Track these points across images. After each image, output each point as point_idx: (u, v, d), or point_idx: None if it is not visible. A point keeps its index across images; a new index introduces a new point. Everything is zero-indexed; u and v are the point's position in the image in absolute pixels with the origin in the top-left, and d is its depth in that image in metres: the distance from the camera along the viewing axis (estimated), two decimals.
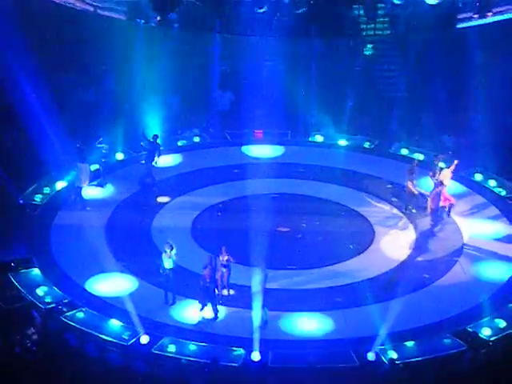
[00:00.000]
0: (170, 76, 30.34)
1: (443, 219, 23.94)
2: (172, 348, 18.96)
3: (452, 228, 23.92)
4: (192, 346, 19.04)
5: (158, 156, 26.01)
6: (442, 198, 23.67)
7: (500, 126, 27.62)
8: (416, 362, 18.73)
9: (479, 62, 28.68)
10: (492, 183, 26.14)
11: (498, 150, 26.56)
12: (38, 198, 24.96)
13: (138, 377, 18.19)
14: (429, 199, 23.66)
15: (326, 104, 30.21)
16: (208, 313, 20.03)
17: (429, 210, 23.69)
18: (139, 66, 29.89)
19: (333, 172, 27.13)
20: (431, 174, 24.35)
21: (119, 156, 27.73)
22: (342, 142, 29.31)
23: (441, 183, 23.65)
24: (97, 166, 26.01)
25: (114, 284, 21.24)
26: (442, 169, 24.48)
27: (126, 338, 19.22)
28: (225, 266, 20.42)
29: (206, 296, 19.89)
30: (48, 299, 20.31)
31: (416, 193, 24.31)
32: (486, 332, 19.41)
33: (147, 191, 25.66)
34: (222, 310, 20.29)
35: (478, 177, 26.57)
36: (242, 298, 20.35)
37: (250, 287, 20.28)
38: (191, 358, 18.74)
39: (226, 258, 20.41)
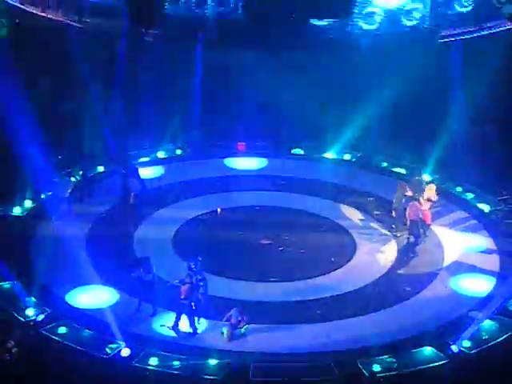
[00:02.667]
0: (153, 88, 30.39)
1: (426, 236, 24.01)
2: (153, 361, 18.87)
3: (433, 241, 24.01)
4: (173, 359, 18.95)
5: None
6: (422, 213, 23.72)
7: (481, 139, 27.80)
8: (397, 375, 18.74)
9: (461, 76, 28.93)
10: (472, 196, 26.30)
11: (479, 163, 26.75)
12: (18, 209, 24.82)
13: None
14: (407, 211, 23.68)
15: (309, 116, 30.33)
16: (185, 326, 19.98)
17: (407, 222, 23.70)
18: (124, 77, 29.90)
19: (315, 185, 27.21)
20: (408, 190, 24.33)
21: (100, 168, 27.65)
22: (325, 155, 29.42)
23: (428, 199, 23.77)
24: (73, 180, 25.80)
25: (94, 296, 21.13)
26: (427, 183, 24.64)
27: (108, 351, 19.11)
28: (200, 280, 20.34)
29: (182, 312, 19.84)
30: (28, 312, 20.15)
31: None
32: (466, 345, 19.46)
33: (129, 203, 25.61)
34: (204, 323, 20.24)
35: (459, 190, 26.72)
36: (224, 311, 20.27)
37: (230, 299, 20.36)
38: (172, 371, 18.65)
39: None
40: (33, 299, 20.62)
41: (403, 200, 24.16)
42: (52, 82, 29.58)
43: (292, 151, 29.70)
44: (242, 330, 19.76)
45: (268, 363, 19.03)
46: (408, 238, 23.52)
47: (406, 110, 29.89)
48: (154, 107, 30.65)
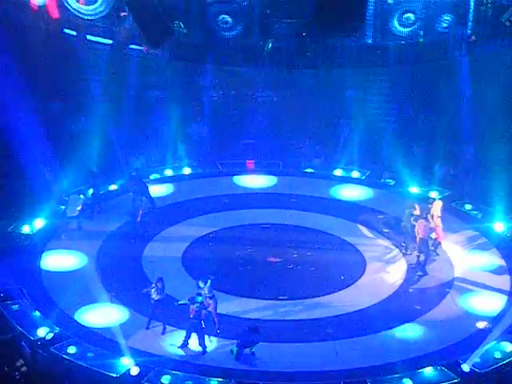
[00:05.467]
0: (160, 105, 30.48)
1: (438, 255, 23.90)
2: (163, 379, 18.81)
3: (443, 259, 23.90)
4: (183, 378, 18.89)
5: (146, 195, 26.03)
6: (433, 230, 23.60)
7: (489, 157, 27.78)
8: None
9: (470, 93, 28.93)
10: (482, 214, 26.22)
11: (487, 181, 26.72)
12: (28, 228, 24.84)
13: None
14: (416, 228, 23.56)
15: (318, 134, 30.37)
16: (194, 344, 19.92)
17: (417, 240, 23.55)
18: (130, 94, 30.03)
19: (324, 202, 27.18)
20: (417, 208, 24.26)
21: (111, 186, 27.71)
22: (334, 172, 29.44)
23: (432, 216, 23.66)
24: (83, 197, 25.79)
25: (104, 315, 21.11)
26: (433, 200, 24.59)
27: (117, 369, 19.06)
28: (210, 298, 20.33)
29: (192, 330, 19.81)
30: (38, 331, 20.11)
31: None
32: (477, 364, 19.32)
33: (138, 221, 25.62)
34: (213, 341, 20.18)
35: (469, 208, 26.66)
36: (233, 329, 20.22)
37: (240, 318, 20.29)
38: None
39: (206, 290, 20.31)
40: (38, 314, 20.62)
41: (412, 218, 24.06)
42: (63, 101, 29.68)
43: (301, 169, 29.66)
44: (252, 348, 19.68)
45: (277, 382, 18.97)
46: (418, 256, 23.41)
47: (415, 126, 29.99)
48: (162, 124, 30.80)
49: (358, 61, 28.00)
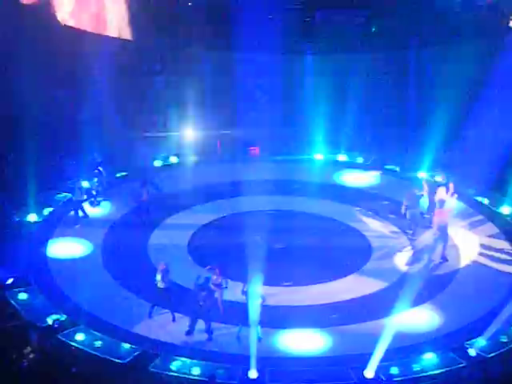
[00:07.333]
0: (166, 93, 30.49)
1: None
2: (170, 366, 18.86)
3: (449, 245, 23.85)
4: (189, 364, 18.97)
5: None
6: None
7: (494, 141, 27.72)
8: (414, 379, 18.67)
9: (474, 78, 28.87)
10: (488, 199, 26.20)
11: (492, 166, 26.67)
12: (34, 215, 24.89)
13: None
14: (434, 218, 23.46)
15: (323, 120, 30.33)
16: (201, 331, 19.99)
17: (436, 227, 23.31)
18: (134, 82, 30.03)
19: (329, 188, 27.18)
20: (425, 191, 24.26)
21: (116, 174, 27.75)
22: (338, 158, 29.43)
23: (443, 202, 23.60)
24: (88, 185, 25.82)
25: (110, 302, 21.15)
26: (438, 186, 24.55)
27: (124, 356, 19.14)
28: (217, 286, 20.37)
29: (200, 316, 19.84)
30: (45, 317, 20.19)
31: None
32: (484, 348, 19.35)
33: (143, 208, 25.65)
34: (220, 328, 20.22)
35: (473, 192, 26.62)
36: (239, 315, 20.25)
37: (246, 304, 20.35)
38: (188, 376, 18.66)
39: (219, 279, 20.35)
40: (45, 301, 20.73)
41: (419, 203, 24.08)
42: (69, 89, 29.70)
43: (307, 155, 29.66)
44: (258, 334, 19.70)
45: (283, 368, 19.02)
46: (436, 241, 23.25)
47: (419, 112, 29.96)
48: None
49: (361, 45, 27.98)
